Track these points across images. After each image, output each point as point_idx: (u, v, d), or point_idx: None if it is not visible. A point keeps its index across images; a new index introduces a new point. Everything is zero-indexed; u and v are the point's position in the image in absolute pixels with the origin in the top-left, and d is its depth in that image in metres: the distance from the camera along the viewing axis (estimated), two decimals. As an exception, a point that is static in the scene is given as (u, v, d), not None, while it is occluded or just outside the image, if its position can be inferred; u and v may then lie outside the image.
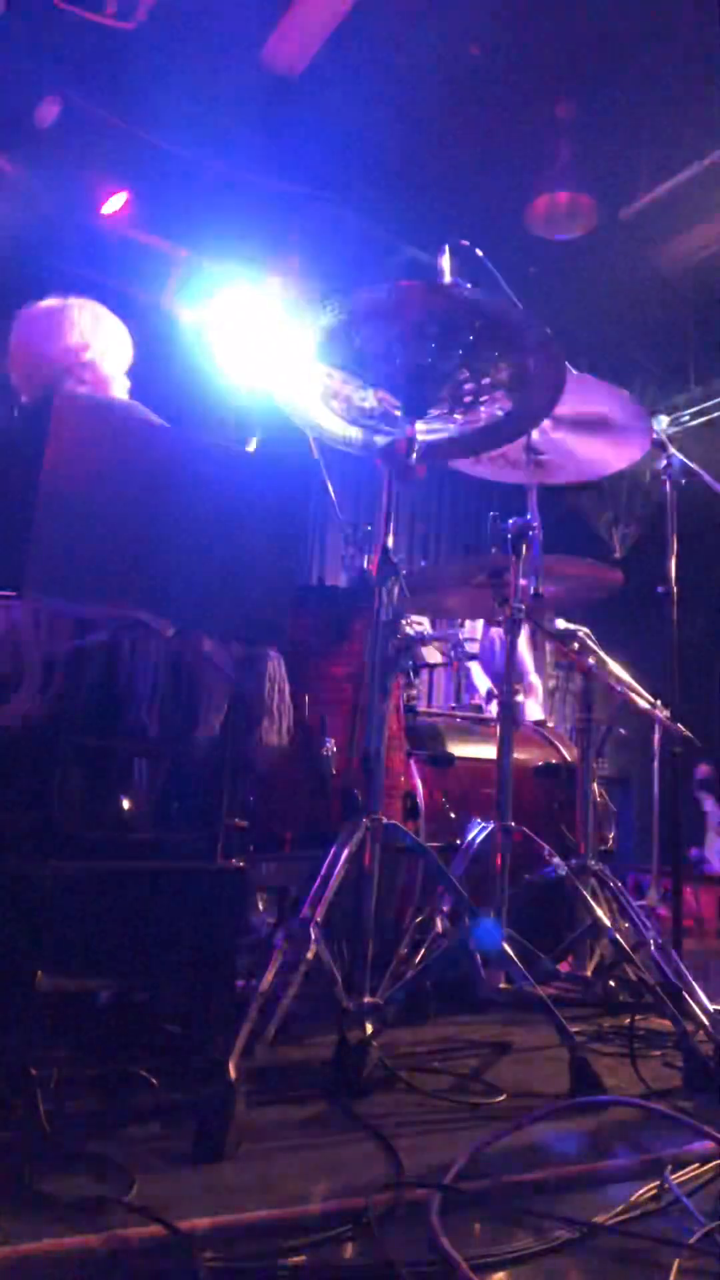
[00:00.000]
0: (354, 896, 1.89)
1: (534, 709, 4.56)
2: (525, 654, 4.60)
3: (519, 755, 2.48)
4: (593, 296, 5.79)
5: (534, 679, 4.81)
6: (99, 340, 2.31)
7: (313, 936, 1.71)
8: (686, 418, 6.66)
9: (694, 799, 6.66)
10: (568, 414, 2.54)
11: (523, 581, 2.39)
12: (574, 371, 2.40)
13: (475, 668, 4.31)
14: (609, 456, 2.68)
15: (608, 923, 2.27)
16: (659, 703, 2.88)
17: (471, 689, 4.27)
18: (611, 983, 2.53)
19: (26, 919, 1.61)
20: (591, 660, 2.75)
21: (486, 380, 2.07)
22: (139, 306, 4.85)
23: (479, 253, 2.32)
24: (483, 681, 4.40)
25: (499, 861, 2.23)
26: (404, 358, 2.01)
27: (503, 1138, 1.49)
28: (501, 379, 2.07)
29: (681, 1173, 1.41)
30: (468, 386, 2.09)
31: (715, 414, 6.59)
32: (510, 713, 2.40)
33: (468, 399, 2.11)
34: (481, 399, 2.11)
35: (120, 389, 2.41)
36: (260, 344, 5.05)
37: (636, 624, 3.43)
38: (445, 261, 2.23)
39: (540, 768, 2.97)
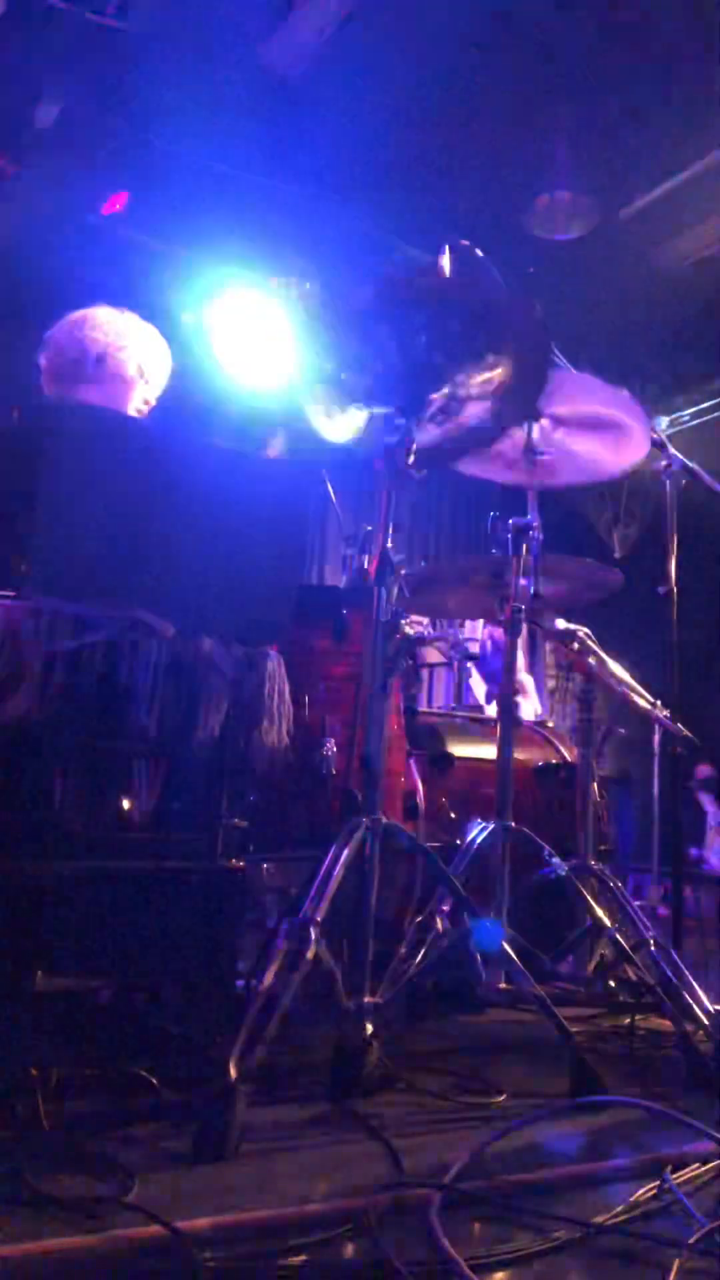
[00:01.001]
0: (354, 896, 1.89)
1: (526, 708, 4.55)
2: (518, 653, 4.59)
3: (519, 755, 2.48)
4: (593, 296, 5.78)
5: (524, 677, 4.80)
6: (136, 353, 2.32)
7: (313, 936, 1.71)
8: (686, 418, 6.66)
9: (694, 799, 6.65)
10: (569, 414, 2.54)
11: (523, 581, 2.39)
12: (574, 371, 2.40)
13: (473, 672, 4.31)
14: (609, 458, 2.68)
15: (608, 923, 2.27)
16: (659, 703, 2.88)
17: (470, 689, 4.27)
18: (611, 983, 2.53)
19: (26, 919, 1.61)
20: (591, 660, 2.75)
21: (479, 373, 2.07)
22: (139, 307, 4.85)
23: (479, 253, 2.32)
24: (479, 686, 4.38)
25: (499, 861, 2.23)
26: (398, 355, 2.01)
27: (503, 1138, 1.49)
28: (491, 368, 2.06)
29: (681, 1173, 1.41)
30: (460, 379, 2.08)
31: (715, 414, 6.59)
32: (510, 713, 2.40)
33: (463, 393, 2.11)
34: (474, 392, 2.11)
35: (141, 398, 2.40)
36: (261, 345, 5.06)
37: (636, 624, 3.43)
38: (445, 261, 2.23)
39: (540, 768, 2.96)
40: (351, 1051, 1.76)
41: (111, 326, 2.33)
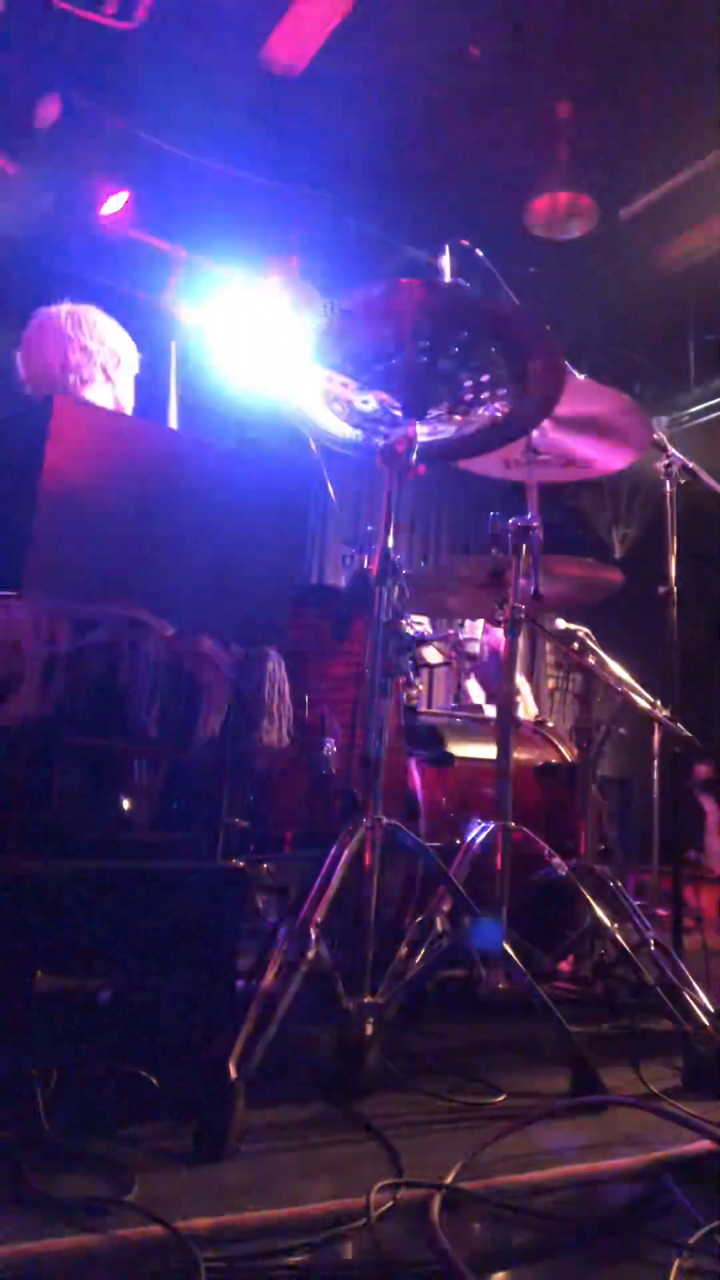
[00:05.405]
0: (354, 896, 1.89)
1: (522, 709, 4.54)
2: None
3: (519, 755, 2.48)
4: (593, 296, 5.79)
5: (519, 680, 4.77)
6: (107, 346, 2.33)
7: (313, 936, 1.71)
8: (686, 418, 6.66)
9: (694, 799, 6.65)
10: (567, 414, 2.54)
11: (523, 581, 2.39)
12: (577, 375, 2.40)
13: (472, 683, 4.29)
14: (607, 457, 2.68)
15: (608, 923, 2.27)
16: (659, 703, 2.88)
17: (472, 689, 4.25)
18: (611, 983, 2.53)
19: (26, 919, 1.61)
20: (591, 660, 2.75)
21: (486, 379, 2.07)
22: (139, 307, 4.86)
23: (479, 253, 2.32)
24: (478, 694, 4.37)
25: (499, 861, 2.23)
26: (402, 358, 2.01)
27: (503, 1138, 1.49)
28: (501, 378, 2.07)
29: (681, 1173, 1.41)
30: (467, 384, 2.09)
31: (715, 414, 6.59)
32: (510, 713, 2.40)
33: (468, 397, 2.11)
34: (481, 397, 2.11)
35: (127, 396, 2.42)
36: (260, 345, 5.06)
37: (636, 624, 3.43)
38: (445, 261, 2.23)
39: (540, 768, 2.96)
40: (351, 1051, 1.76)
41: (77, 335, 2.33)
